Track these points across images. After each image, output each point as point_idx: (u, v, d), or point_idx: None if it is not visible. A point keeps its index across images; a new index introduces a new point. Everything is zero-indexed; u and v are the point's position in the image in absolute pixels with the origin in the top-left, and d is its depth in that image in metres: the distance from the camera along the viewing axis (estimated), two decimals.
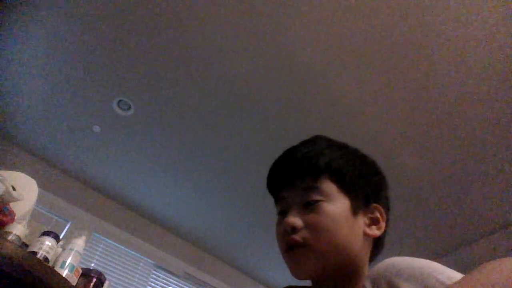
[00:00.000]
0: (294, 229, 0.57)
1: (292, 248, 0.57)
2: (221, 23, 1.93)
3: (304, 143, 0.65)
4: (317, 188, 0.59)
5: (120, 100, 2.38)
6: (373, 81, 2.03)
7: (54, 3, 1.95)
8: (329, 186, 0.59)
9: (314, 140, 0.66)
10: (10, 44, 2.17)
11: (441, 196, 2.50)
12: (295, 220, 0.57)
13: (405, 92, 2.04)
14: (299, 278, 0.58)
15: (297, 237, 0.56)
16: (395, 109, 2.12)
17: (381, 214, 0.63)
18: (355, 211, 0.59)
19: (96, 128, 2.58)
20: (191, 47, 2.05)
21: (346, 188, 0.60)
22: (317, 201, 0.58)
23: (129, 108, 2.42)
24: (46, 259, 1.13)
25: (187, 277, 3.25)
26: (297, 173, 0.61)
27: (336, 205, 0.58)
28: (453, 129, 2.15)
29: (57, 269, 1.15)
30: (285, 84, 2.13)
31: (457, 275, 0.42)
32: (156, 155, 2.70)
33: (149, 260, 3.09)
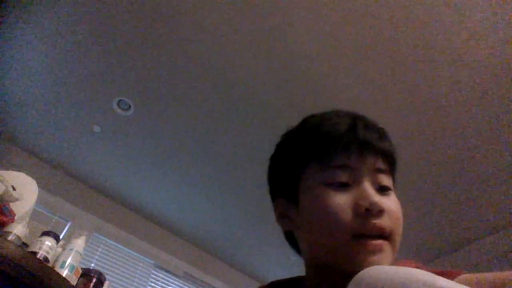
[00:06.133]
0: (381, 212, 0.46)
1: (371, 237, 0.45)
2: (222, 22, 1.93)
3: (369, 120, 0.56)
4: (393, 175, 0.52)
5: (120, 100, 2.38)
6: (373, 81, 2.03)
7: (54, 4, 1.95)
8: (393, 178, 0.53)
9: (375, 122, 0.57)
10: (10, 44, 2.17)
11: (442, 196, 2.50)
12: (383, 202, 0.46)
13: (405, 92, 2.04)
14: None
15: (386, 225, 0.45)
16: (395, 109, 2.12)
17: None
18: None
19: (96, 128, 2.58)
20: (191, 47, 2.05)
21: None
22: (390, 189, 0.51)
23: (129, 108, 2.42)
24: (46, 259, 1.13)
25: (187, 277, 3.25)
26: (384, 152, 0.52)
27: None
28: (453, 129, 2.15)
29: (57, 269, 1.15)
30: (285, 84, 2.13)
31: (449, 285, 0.35)
32: (156, 155, 2.70)
33: (149, 260, 3.09)
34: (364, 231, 0.45)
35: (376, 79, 2.02)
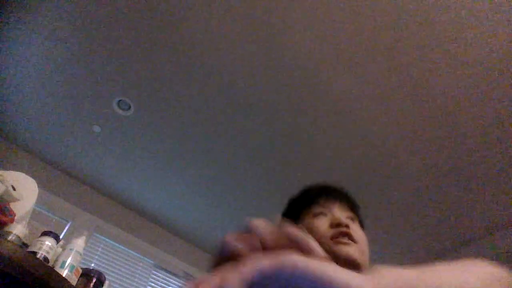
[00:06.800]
0: (348, 227, 0.73)
1: (343, 237, 0.71)
2: (222, 22, 1.93)
3: (339, 188, 0.88)
4: (357, 213, 0.82)
5: (120, 100, 2.38)
6: (373, 81, 2.03)
7: (54, 4, 1.95)
8: (359, 221, 0.83)
9: (343, 189, 0.90)
10: (10, 44, 2.17)
11: (441, 196, 2.50)
12: (348, 222, 0.75)
13: (405, 92, 2.04)
14: (346, 257, 0.69)
15: (352, 233, 0.72)
16: (396, 110, 2.13)
17: None
18: None
19: (96, 128, 2.58)
20: (191, 47, 2.05)
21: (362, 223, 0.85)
22: (353, 220, 0.79)
23: (129, 108, 2.42)
24: (46, 259, 1.13)
25: (187, 277, 3.25)
26: (347, 204, 0.82)
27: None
28: (453, 129, 2.15)
29: (57, 269, 1.15)
30: (285, 85, 2.13)
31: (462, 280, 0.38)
32: (156, 155, 2.70)
33: (149, 260, 3.09)
34: (337, 235, 0.71)
35: (376, 79, 2.02)
